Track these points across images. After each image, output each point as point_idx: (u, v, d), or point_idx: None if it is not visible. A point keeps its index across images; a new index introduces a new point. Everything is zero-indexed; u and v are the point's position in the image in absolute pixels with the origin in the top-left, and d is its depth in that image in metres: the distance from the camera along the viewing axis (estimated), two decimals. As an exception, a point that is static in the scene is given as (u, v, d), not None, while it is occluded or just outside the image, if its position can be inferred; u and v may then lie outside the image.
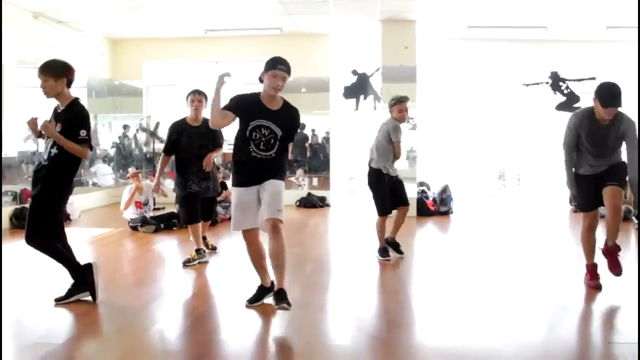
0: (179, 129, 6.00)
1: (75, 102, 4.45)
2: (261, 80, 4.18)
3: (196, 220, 5.99)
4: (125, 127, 12.08)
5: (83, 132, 4.32)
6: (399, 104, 6.11)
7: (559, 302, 4.68)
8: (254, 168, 4.15)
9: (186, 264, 5.86)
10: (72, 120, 4.34)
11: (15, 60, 8.93)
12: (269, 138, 4.11)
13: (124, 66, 12.00)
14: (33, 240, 4.38)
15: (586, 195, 4.90)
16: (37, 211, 4.36)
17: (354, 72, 11.57)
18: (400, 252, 6.30)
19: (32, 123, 4.46)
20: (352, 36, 11.32)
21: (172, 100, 12.23)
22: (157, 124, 10.31)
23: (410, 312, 4.48)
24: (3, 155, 8.85)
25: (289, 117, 4.25)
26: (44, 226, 4.38)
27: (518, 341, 3.70)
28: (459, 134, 12.77)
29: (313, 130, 12.00)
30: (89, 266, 4.48)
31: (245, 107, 4.13)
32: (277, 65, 4.08)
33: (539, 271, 5.73)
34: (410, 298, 4.86)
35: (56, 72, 4.38)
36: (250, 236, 4.27)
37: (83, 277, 4.48)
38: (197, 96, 5.94)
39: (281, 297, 3.95)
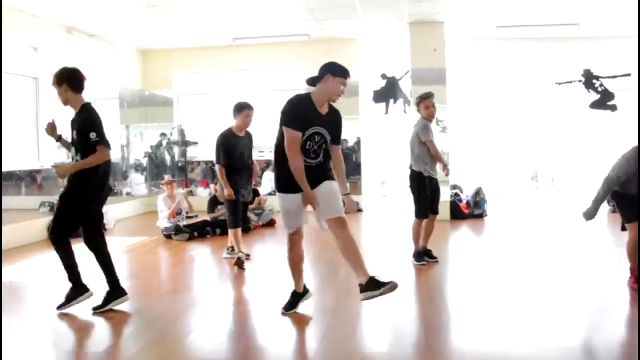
0: (230, 141, 6.27)
1: (84, 106, 4.51)
2: (312, 84, 4.08)
3: (239, 225, 6.40)
4: (163, 135, 12.22)
5: (93, 135, 4.36)
6: (424, 100, 6.05)
7: (600, 305, 4.57)
8: (308, 176, 4.02)
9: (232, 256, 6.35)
10: (83, 125, 4.42)
11: (49, 74, 9.07)
12: (320, 144, 4.05)
13: (154, 76, 12.18)
14: (53, 236, 4.54)
15: (632, 207, 4.73)
16: (61, 211, 4.50)
17: (383, 76, 11.50)
18: (433, 258, 6.22)
19: (49, 127, 4.61)
20: (380, 40, 11.29)
21: (202, 109, 12.38)
22: (195, 143, 10.39)
23: (448, 317, 4.42)
24: (40, 167, 9.07)
25: (336, 120, 4.19)
26: (66, 226, 4.52)
27: (558, 346, 3.60)
28: (490, 136, 12.59)
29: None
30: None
31: (303, 117, 3.97)
32: (347, 75, 4.06)
33: (577, 273, 5.61)
34: (447, 303, 4.79)
35: (57, 80, 4.51)
36: (297, 237, 4.26)
37: (116, 286, 4.60)
38: (252, 111, 6.32)
39: (378, 283, 3.76)
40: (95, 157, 4.38)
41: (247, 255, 6.56)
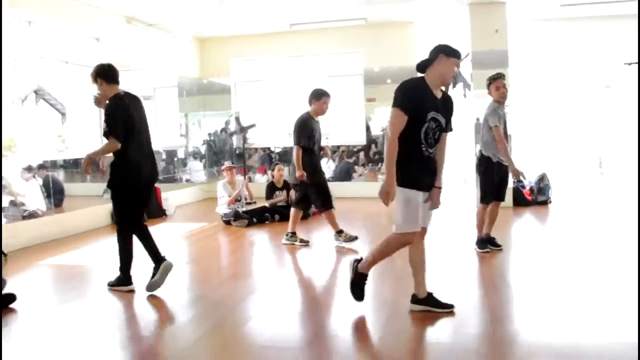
0: (311, 124, 6.44)
1: (112, 98, 4.65)
2: (422, 69, 3.82)
3: (331, 205, 6.57)
4: (227, 122, 12.31)
5: (104, 126, 4.57)
6: (494, 81, 5.81)
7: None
8: (426, 169, 3.86)
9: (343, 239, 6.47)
10: (105, 116, 4.61)
11: (111, 63, 9.27)
12: (435, 131, 3.80)
13: (211, 64, 12.31)
14: (116, 224, 4.90)
15: None
16: (113, 200, 4.79)
17: (442, 60, 11.23)
18: (497, 246, 6.04)
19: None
20: (438, 22, 11.00)
21: (259, 95, 12.42)
22: (252, 126, 10.44)
23: (513, 307, 4.28)
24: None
25: (450, 105, 3.95)
26: (121, 215, 4.78)
27: (626, 341, 3.40)
28: (555, 120, 12.13)
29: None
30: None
31: (419, 102, 3.70)
32: (460, 55, 3.82)
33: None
34: (512, 292, 4.64)
35: (93, 78, 4.67)
36: (420, 235, 4.03)
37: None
38: (329, 99, 6.51)
39: (438, 303, 4.05)
40: (102, 148, 4.76)
41: (305, 241, 6.61)
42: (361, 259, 4.18)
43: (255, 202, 8.65)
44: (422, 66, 3.82)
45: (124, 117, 4.56)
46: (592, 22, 10.73)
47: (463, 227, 7.36)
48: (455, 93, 11.21)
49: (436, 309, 4.01)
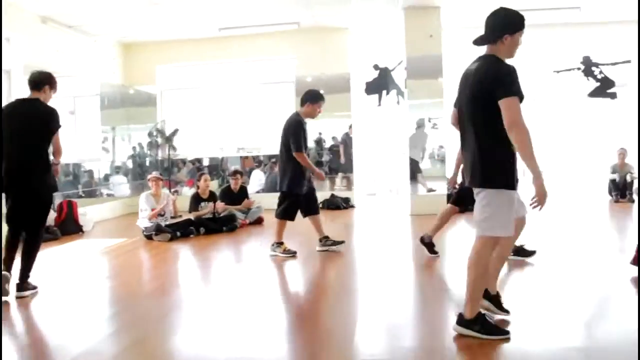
0: (303, 126, 6.01)
1: None
2: (481, 42, 3.35)
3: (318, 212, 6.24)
4: (150, 133, 11.59)
5: None
6: None
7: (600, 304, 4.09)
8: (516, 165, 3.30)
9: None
10: None
11: (22, 66, 8.54)
12: None
13: (135, 71, 11.58)
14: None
15: None
16: None
17: (376, 67, 11.06)
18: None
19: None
20: (373, 28, 10.78)
21: (188, 104, 11.85)
22: (176, 131, 9.88)
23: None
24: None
25: None
26: None
27: (578, 346, 3.13)
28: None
29: (334, 138, 11.47)
30: None
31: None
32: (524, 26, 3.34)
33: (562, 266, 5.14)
34: (450, 303, 4.34)
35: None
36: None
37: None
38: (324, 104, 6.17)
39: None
40: None
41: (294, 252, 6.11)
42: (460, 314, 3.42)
43: (180, 216, 8.09)
44: (481, 40, 3.35)
45: None
46: (525, 29, 10.75)
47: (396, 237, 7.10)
48: (389, 100, 11.05)
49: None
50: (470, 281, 3.30)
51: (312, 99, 6.03)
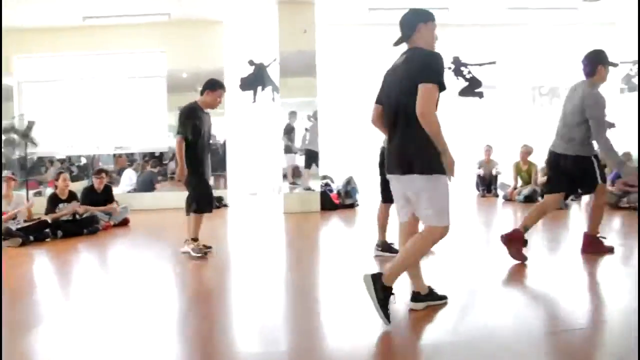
0: (199, 114, 5.73)
1: None
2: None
3: (211, 209, 5.93)
4: (6, 131, 10.54)
5: None
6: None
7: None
8: None
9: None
10: None
11: None
12: None
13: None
14: None
15: None
16: None
17: (251, 62, 10.86)
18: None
19: None
20: (249, 22, 10.51)
21: (51, 98, 10.98)
22: (31, 124, 9.05)
23: (317, 316, 3.82)
24: None
25: None
26: None
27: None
28: (362, 125, 12.22)
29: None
30: None
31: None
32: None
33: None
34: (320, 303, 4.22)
35: None
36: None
37: None
38: (224, 93, 5.93)
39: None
40: None
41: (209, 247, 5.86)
42: (380, 273, 3.42)
43: (39, 219, 7.42)
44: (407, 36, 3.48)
45: None
46: (398, 28, 10.93)
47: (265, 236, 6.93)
48: (264, 96, 10.86)
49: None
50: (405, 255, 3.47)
51: (209, 86, 5.77)
